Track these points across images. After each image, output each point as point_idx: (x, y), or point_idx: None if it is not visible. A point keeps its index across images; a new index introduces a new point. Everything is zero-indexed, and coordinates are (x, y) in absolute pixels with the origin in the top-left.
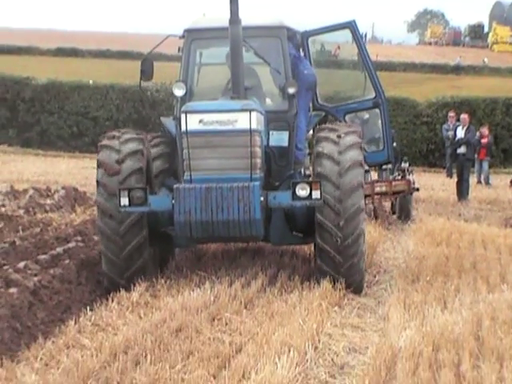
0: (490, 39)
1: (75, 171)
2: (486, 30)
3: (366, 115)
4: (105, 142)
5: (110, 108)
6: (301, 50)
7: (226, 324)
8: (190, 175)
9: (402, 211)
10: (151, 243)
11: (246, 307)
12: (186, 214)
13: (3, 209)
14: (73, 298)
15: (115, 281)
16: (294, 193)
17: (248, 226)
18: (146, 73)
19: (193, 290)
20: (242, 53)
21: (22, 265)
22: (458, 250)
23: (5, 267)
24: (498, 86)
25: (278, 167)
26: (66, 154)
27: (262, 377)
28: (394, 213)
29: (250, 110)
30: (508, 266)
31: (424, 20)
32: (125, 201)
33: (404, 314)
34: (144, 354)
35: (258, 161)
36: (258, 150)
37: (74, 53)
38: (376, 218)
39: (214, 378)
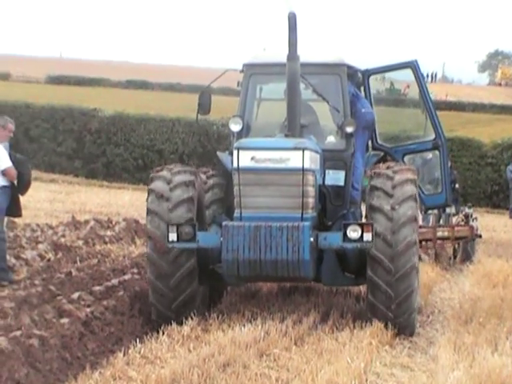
0: None
1: (138, 203)
2: None
3: (430, 155)
4: (157, 173)
5: (176, 141)
6: (361, 89)
7: (275, 360)
8: (241, 213)
9: (465, 257)
10: (201, 281)
11: (295, 344)
12: (233, 252)
13: (63, 239)
14: (124, 330)
15: (163, 312)
16: (345, 234)
17: (296, 266)
18: (204, 106)
19: (244, 326)
20: (299, 90)
21: (76, 295)
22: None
23: (59, 297)
24: None
25: (333, 207)
26: (130, 186)
27: None
28: (455, 257)
29: (303, 149)
30: None
31: (495, 61)
32: (173, 236)
33: (454, 355)
34: None
35: (311, 200)
36: (311, 190)
37: (144, 85)
38: (437, 262)
39: None
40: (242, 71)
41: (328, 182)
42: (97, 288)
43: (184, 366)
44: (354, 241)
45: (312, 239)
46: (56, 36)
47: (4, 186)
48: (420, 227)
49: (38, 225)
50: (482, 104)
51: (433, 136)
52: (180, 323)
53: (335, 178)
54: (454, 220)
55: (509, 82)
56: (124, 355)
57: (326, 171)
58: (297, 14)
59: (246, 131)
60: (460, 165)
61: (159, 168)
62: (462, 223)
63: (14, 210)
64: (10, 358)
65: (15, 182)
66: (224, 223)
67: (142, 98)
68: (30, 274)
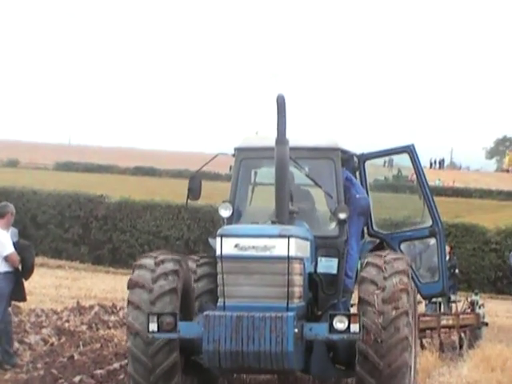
0: None
1: None
2: None
3: (429, 242)
4: (140, 261)
5: (182, 227)
6: (357, 173)
7: None
8: (224, 302)
9: (471, 345)
10: (187, 372)
11: None
12: (215, 343)
13: (67, 324)
14: None
15: None
16: (331, 325)
17: (280, 358)
18: (194, 191)
19: None
20: (287, 175)
21: (77, 379)
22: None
23: (60, 381)
24: None
25: (326, 295)
26: None
27: None
28: (461, 346)
29: (289, 236)
30: None
31: (503, 147)
32: (153, 326)
33: None
34: None
35: (297, 289)
36: (298, 278)
37: (151, 172)
38: (442, 351)
39: None
40: (233, 155)
41: (320, 269)
42: (98, 372)
43: None
44: (341, 332)
45: (297, 330)
46: (65, 122)
47: (7, 272)
48: (423, 315)
49: (42, 310)
50: (490, 190)
51: (430, 223)
52: None
53: (328, 265)
54: (459, 307)
55: None
56: None
57: (319, 258)
58: (285, 97)
59: (236, 217)
60: (464, 250)
61: (143, 255)
62: (468, 310)
63: (19, 294)
64: None
65: (19, 267)
66: (205, 313)
67: (148, 184)
68: (33, 357)
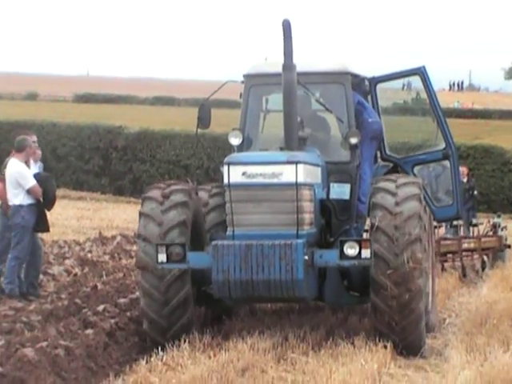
0: None
1: None
2: None
3: (446, 164)
4: (149, 193)
5: (201, 156)
6: (369, 98)
7: (292, 364)
8: (233, 231)
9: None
10: (200, 303)
11: (312, 349)
12: (224, 272)
13: (89, 255)
14: (147, 340)
15: (157, 340)
16: (342, 251)
17: (290, 286)
18: (204, 119)
19: (263, 332)
20: (295, 100)
21: (101, 308)
22: None
23: (84, 310)
24: None
25: (339, 222)
26: None
27: None
28: (483, 269)
29: (297, 162)
30: None
31: None
32: (162, 257)
33: (466, 356)
34: None
35: (307, 216)
36: (307, 205)
37: (170, 101)
38: (464, 276)
39: None
40: (242, 82)
41: (333, 195)
42: (121, 300)
43: (203, 371)
44: (352, 258)
45: (307, 257)
46: (83, 54)
47: (30, 204)
48: (444, 239)
49: (65, 241)
50: (509, 111)
51: (443, 145)
52: (201, 332)
53: (340, 191)
54: (481, 230)
55: None
56: (146, 363)
57: (331, 184)
58: (291, 21)
59: (247, 145)
60: (483, 172)
61: (152, 186)
62: (490, 233)
63: (42, 225)
64: (37, 368)
65: (41, 199)
66: (214, 242)
67: (168, 114)
68: (57, 288)
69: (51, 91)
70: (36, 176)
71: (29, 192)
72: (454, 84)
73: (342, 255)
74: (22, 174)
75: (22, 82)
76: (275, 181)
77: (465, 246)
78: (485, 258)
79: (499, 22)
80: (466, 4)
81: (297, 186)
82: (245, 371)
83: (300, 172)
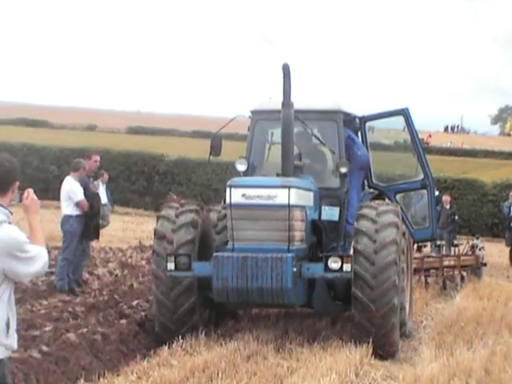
0: None
1: None
2: None
3: (436, 193)
4: (163, 212)
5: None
6: (359, 133)
7: (289, 353)
8: (233, 245)
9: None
10: (207, 307)
11: (308, 341)
12: (223, 280)
13: (129, 260)
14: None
15: (164, 323)
16: (326, 265)
17: (280, 293)
18: (215, 149)
19: (267, 327)
20: (292, 133)
21: (135, 303)
22: (495, 303)
23: (120, 304)
24: None
25: (329, 240)
26: None
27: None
28: (462, 283)
29: (289, 187)
30: None
31: (505, 114)
32: (171, 265)
33: (435, 351)
34: (217, 373)
35: (298, 234)
36: (299, 224)
37: (206, 135)
38: (445, 289)
39: None
40: (250, 117)
41: (324, 217)
42: (152, 297)
43: (215, 356)
44: (335, 271)
45: (295, 269)
46: (136, 93)
47: (78, 215)
48: (428, 257)
49: (110, 248)
50: (493, 151)
51: (422, 176)
52: (217, 324)
53: (330, 213)
54: (462, 249)
55: None
56: (168, 348)
57: (322, 207)
58: (290, 65)
59: (251, 171)
60: (466, 201)
61: (167, 205)
62: (469, 252)
63: (93, 234)
64: (78, 349)
65: (88, 212)
66: (215, 254)
67: (203, 145)
68: (100, 286)
69: (108, 124)
70: (85, 192)
71: (77, 205)
72: (448, 127)
73: (327, 268)
74: (73, 189)
75: (84, 115)
76: (270, 202)
77: (446, 263)
78: (464, 274)
79: (489, 75)
80: (459, 57)
81: (289, 207)
82: (249, 358)
83: (292, 195)
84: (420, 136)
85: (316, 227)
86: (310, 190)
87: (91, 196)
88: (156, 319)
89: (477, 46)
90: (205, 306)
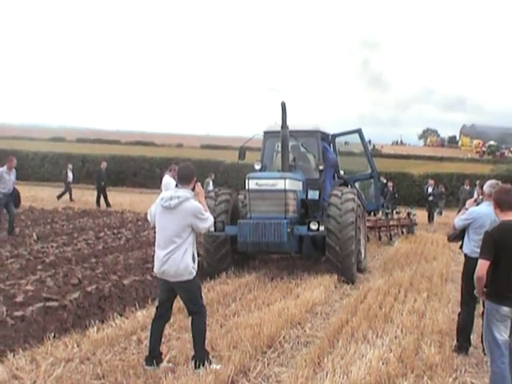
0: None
1: None
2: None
3: (384, 180)
4: (208, 193)
5: None
6: (331, 145)
7: (296, 276)
8: (250, 215)
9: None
10: (235, 253)
11: (303, 270)
12: (244, 237)
13: None
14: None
15: (210, 273)
16: (308, 227)
17: (279, 244)
18: (241, 155)
19: (274, 264)
20: (288, 145)
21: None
22: (418, 245)
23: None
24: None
25: (312, 211)
26: None
27: (306, 295)
28: (402, 233)
29: (285, 178)
30: (438, 251)
31: (427, 133)
32: (212, 228)
33: (381, 273)
34: (254, 287)
35: (291, 208)
36: (291, 201)
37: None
38: (391, 239)
39: (284, 297)
40: (263, 135)
41: (309, 197)
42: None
43: (251, 278)
44: (314, 230)
45: (289, 230)
46: (205, 118)
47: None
48: (379, 220)
49: None
50: (419, 155)
51: (370, 171)
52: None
53: (313, 194)
54: (401, 215)
55: (434, 144)
56: (215, 278)
57: (308, 191)
58: (286, 102)
59: (264, 169)
60: (403, 185)
61: (211, 190)
62: (406, 216)
63: None
64: None
65: None
66: (239, 221)
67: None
68: None
69: (189, 142)
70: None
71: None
72: (396, 142)
73: (309, 229)
74: (168, 182)
75: (174, 138)
76: (273, 188)
77: (391, 223)
78: (403, 230)
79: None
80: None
81: (285, 191)
82: (272, 279)
83: (287, 183)
84: (376, 147)
85: (304, 203)
86: (299, 180)
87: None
88: (204, 260)
89: None
90: (233, 253)
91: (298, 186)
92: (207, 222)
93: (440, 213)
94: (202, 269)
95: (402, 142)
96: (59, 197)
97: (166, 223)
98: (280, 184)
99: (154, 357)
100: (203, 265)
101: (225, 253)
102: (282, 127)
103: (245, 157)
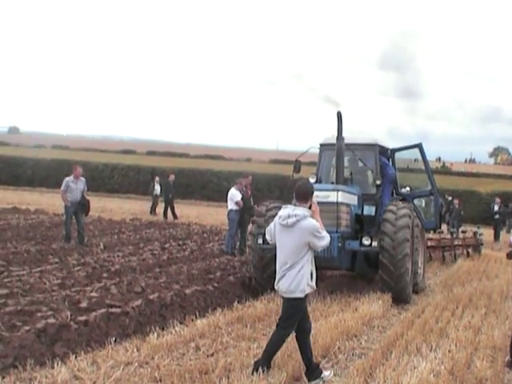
0: None
1: None
2: None
3: (449, 198)
4: (258, 208)
5: None
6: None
7: (341, 298)
8: None
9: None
10: None
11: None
12: None
13: None
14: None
15: (258, 281)
16: (361, 242)
17: (329, 260)
18: (296, 168)
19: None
20: (343, 157)
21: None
22: (480, 263)
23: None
24: None
25: (369, 227)
26: None
27: (364, 309)
28: (468, 255)
29: (337, 190)
30: (500, 269)
31: (498, 151)
32: (260, 241)
33: (441, 289)
34: None
35: (343, 221)
36: (344, 215)
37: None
38: (455, 258)
39: (342, 310)
40: (319, 148)
41: (365, 212)
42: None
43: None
44: (366, 246)
45: (340, 244)
46: (274, 131)
47: (236, 210)
48: (444, 239)
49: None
50: (491, 174)
51: (430, 187)
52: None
53: (369, 210)
54: (467, 234)
55: (505, 162)
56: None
57: (364, 206)
58: (342, 112)
59: (319, 181)
60: (469, 203)
61: (261, 204)
62: (472, 236)
63: (244, 222)
64: (234, 286)
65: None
66: None
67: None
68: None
69: (258, 157)
70: (242, 198)
71: (236, 204)
72: (468, 159)
73: (361, 244)
74: (233, 194)
75: (242, 152)
76: (326, 200)
77: (455, 242)
78: (469, 250)
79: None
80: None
81: (337, 203)
82: (330, 294)
83: (339, 196)
84: (446, 164)
85: (359, 219)
86: (354, 194)
87: (246, 200)
88: (252, 276)
89: None
90: None
91: (352, 199)
92: (324, 240)
93: (508, 231)
94: (250, 285)
95: (473, 159)
96: (152, 211)
97: (284, 241)
98: (332, 196)
99: (311, 371)
100: (251, 281)
101: (274, 270)
102: (337, 138)
103: (299, 170)
